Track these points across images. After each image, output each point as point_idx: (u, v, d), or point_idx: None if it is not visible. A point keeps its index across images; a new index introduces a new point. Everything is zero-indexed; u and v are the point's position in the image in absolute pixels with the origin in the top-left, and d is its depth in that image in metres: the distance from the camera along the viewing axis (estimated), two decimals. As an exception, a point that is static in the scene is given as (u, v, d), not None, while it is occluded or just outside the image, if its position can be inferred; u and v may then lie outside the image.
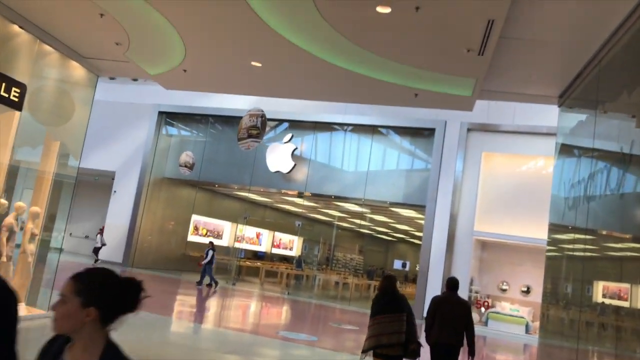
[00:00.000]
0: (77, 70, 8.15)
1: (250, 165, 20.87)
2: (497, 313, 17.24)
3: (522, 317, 16.93)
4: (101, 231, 21.05)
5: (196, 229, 24.73)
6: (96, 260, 20.24)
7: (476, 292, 18.31)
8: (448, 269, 17.34)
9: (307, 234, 31.00)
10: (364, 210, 22.41)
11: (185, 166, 18.47)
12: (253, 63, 6.68)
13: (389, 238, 36.80)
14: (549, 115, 17.64)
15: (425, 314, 6.15)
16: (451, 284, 6.10)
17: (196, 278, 20.91)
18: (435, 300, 6.08)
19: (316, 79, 7.10)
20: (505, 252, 18.81)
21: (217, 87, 8.66)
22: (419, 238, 33.61)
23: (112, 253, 21.32)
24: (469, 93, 6.48)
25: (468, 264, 17.31)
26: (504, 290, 18.64)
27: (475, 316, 17.31)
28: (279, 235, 30.69)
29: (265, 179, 20.88)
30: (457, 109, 7.76)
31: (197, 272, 22.39)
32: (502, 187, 17.94)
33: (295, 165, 20.12)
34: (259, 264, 25.88)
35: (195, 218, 24.43)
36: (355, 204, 22.02)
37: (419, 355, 5.56)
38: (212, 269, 18.83)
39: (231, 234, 26.30)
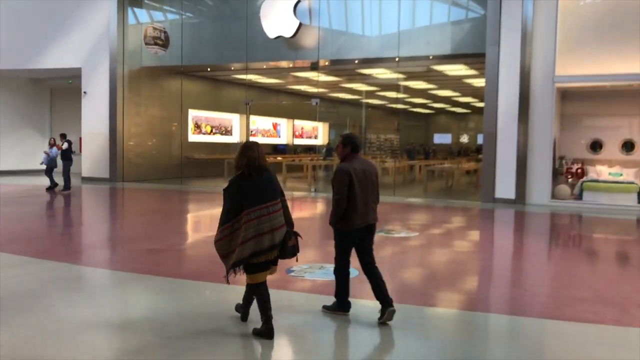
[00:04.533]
0: None
1: (242, 36, 16.02)
2: (595, 182, 12.85)
3: (633, 183, 12.52)
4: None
5: (197, 126, 20.53)
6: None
7: (560, 158, 13.87)
8: (524, 132, 12.79)
9: (332, 118, 26.52)
10: (399, 76, 17.60)
11: (156, 44, 13.83)
12: None
13: (428, 111, 32.02)
14: None
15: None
16: (357, 144, 4.48)
17: (203, 185, 17.06)
18: (348, 171, 4.31)
19: None
20: (595, 101, 14.07)
21: None
22: (464, 105, 28.83)
23: (95, 168, 17.46)
24: None
25: (550, 122, 12.70)
26: (597, 150, 14.13)
27: (564, 189, 12.98)
28: (299, 123, 26.31)
29: (266, 52, 16.12)
30: None
31: (200, 178, 18.51)
32: (593, 9, 12.80)
33: (300, 24, 15.20)
34: (279, 158, 21.81)
35: (193, 114, 20.12)
36: (387, 68, 17.20)
37: (298, 250, 4.10)
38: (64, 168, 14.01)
39: (241, 128, 22.04)
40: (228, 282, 3.95)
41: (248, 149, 3.93)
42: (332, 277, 4.50)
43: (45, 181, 14.65)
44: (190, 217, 12.12)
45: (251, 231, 3.79)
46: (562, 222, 11.52)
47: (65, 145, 13.74)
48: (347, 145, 4.41)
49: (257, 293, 3.97)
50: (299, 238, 4.09)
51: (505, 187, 12.85)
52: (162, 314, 4.55)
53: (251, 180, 3.86)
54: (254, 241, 3.80)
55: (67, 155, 13.81)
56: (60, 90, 21.65)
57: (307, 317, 4.48)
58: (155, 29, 14.12)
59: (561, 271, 6.77)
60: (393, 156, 28.19)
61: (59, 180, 14.21)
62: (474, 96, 24.77)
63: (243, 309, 4.21)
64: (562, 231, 10.76)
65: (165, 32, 14.27)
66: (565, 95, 14.09)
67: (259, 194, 3.85)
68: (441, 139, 35.35)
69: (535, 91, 12.74)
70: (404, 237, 8.35)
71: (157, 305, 4.88)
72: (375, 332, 4.20)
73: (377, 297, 4.34)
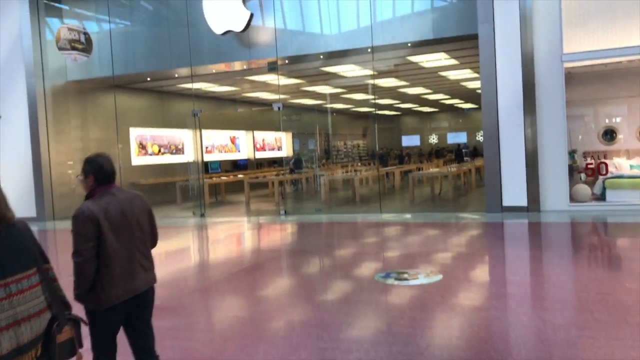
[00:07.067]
0: None
1: (184, 37, 13.48)
2: (619, 178, 10.76)
3: (666, 176, 10.48)
4: None
5: (142, 147, 17.76)
6: None
7: (572, 152, 11.78)
8: (531, 125, 10.62)
9: (294, 126, 24.15)
10: (372, 71, 15.31)
11: (73, 48, 11.09)
12: None
13: (396, 112, 29.97)
14: None
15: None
16: (107, 170, 2.95)
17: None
18: (93, 216, 2.76)
19: None
20: (602, 83, 12.07)
21: None
22: (433, 104, 26.82)
23: (18, 207, 14.47)
24: None
25: (562, 109, 10.56)
26: (610, 139, 12.13)
27: (584, 189, 10.84)
28: (260, 134, 23.78)
29: (213, 54, 13.60)
30: None
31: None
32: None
33: (252, 15, 12.75)
34: (240, 175, 19.24)
35: (136, 133, 17.37)
36: (358, 64, 14.84)
37: (81, 344, 2.47)
38: None
39: (195, 145, 19.36)
40: None
41: None
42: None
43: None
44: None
45: None
46: (604, 234, 9.33)
47: None
48: (89, 174, 2.90)
49: None
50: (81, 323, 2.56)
51: (514, 192, 10.63)
52: None
53: None
54: None
55: None
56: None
57: None
58: (71, 29, 11.39)
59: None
60: (365, 163, 25.96)
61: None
62: (451, 92, 22.85)
63: None
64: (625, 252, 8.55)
65: (85, 34, 11.59)
66: (568, 79, 12.04)
67: (12, 260, 2.31)
68: (411, 141, 33.44)
69: (540, 74, 10.60)
70: (425, 286, 5.85)
71: None
72: None
73: None
